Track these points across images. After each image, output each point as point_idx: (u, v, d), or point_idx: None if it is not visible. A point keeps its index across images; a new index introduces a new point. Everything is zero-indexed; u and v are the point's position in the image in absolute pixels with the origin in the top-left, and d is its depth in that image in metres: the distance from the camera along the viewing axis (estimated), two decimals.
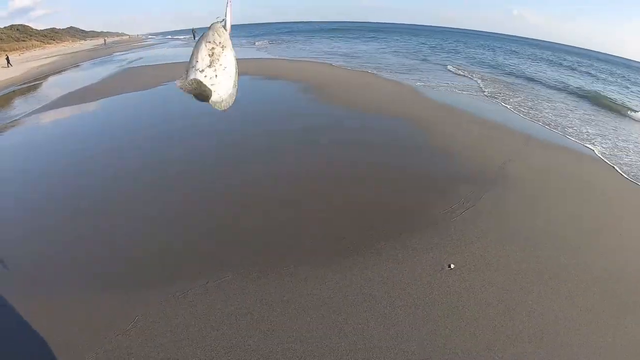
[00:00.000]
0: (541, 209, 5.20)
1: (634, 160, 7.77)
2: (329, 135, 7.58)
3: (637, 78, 29.48)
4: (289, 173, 5.91)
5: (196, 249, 4.08)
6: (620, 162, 7.52)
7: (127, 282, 3.58)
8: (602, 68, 35.23)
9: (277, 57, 22.61)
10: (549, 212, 5.17)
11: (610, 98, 16.03)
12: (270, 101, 10.60)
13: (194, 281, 3.55)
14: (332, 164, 6.29)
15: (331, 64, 18.79)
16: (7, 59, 24.54)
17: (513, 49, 46.35)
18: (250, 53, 25.34)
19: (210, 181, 5.65)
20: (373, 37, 49.29)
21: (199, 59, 1.29)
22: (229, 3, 1.32)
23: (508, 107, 11.58)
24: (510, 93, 14.27)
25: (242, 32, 65.22)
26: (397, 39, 46.34)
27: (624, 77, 29.11)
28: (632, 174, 6.89)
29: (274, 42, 38.29)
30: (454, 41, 50.36)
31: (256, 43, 35.99)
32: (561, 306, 3.46)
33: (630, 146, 8.84)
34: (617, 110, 13.75)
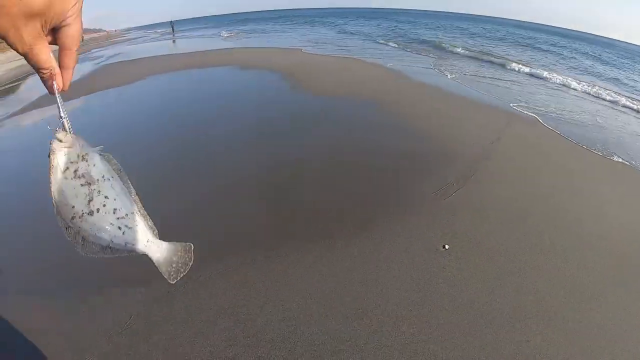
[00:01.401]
0: (530, 185, 5.27)
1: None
2: (310, 124, 7.57)
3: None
4: (276, 163, 5.87)
5: (189, 241, 3.99)
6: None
7: (119, 279, 3.51)
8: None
9: (246, 46, 22.53)
10: (538, 187, 5.25)
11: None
12: (248, 93, 10.44)
13: (188, 275, 3.48)
14: (316, 150, 6.28)
15: (302, 50, 18.84)
16: None
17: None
18: (219, 44, 25.17)
19: (199, 174, 5.57)
20: (331, 22, 50.79)
21: (71, 202, 0.78)
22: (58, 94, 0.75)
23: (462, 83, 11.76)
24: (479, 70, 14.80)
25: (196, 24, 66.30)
26: (358, 23, 47.54)
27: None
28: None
29: (234, 31, 39.07)
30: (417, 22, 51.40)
31: (222, 34, 36.10)
32: (564, 282, 3.52)
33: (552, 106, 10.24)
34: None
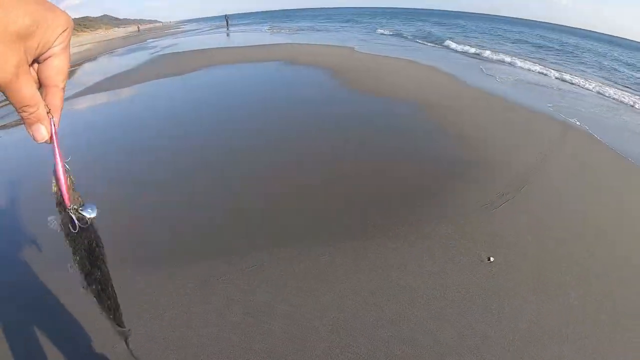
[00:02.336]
0: (583, 204, 4.95)
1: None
2: (356, 122, 7.51)
3: None
4: (320, 160, 5.89)
5: (233, 234, 4.10)
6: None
7: (164, 265, 3.64)
8: None
9: (299, 42, 22.74)
10: (591, 206, 4.91)
11: None
12: (297, 89, 10.53)
13: (230, 266, 3.59)
14: (363, 150, 6.24)
15: (354, 49, 18.69)
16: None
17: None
18: (271, 38, 25.66)
19: (247, 165, 5.69)
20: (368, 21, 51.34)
21: None
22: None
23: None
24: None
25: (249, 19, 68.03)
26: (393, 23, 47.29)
27: None
28: None
29: (278, 27, 39.97)
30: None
31: (267, 29, 37.37)
32: (604, 307, 3.27)
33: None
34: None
